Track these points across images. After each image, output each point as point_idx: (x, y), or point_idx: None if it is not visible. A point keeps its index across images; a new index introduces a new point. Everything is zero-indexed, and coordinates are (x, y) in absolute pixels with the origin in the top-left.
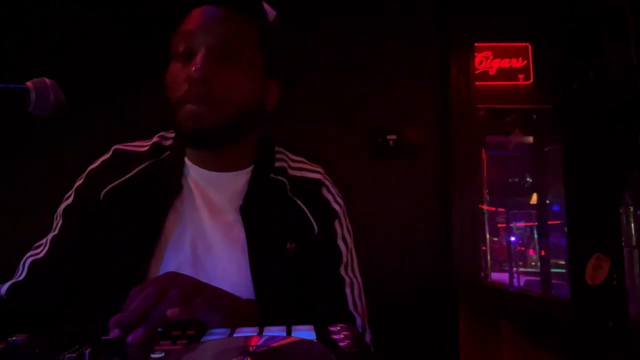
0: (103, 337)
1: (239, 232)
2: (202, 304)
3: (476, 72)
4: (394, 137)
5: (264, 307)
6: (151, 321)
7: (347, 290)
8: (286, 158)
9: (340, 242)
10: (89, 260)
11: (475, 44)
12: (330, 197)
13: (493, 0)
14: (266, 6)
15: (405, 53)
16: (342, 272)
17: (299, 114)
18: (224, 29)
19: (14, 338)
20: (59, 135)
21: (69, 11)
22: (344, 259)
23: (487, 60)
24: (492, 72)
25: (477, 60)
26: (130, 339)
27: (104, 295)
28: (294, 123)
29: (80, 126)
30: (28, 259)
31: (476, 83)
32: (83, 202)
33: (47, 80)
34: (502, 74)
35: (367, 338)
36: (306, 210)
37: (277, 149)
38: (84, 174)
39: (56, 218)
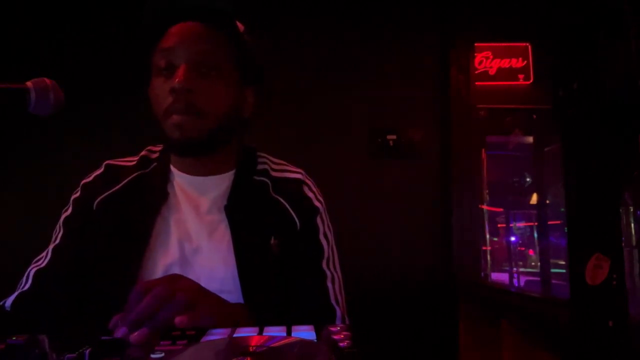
0: (103, 337)
1: (225, 231)
2: (206, 313)
3: (476, 72)
4: (394, 137)
5: (251, 306)
6: (157, 322)
7: (329, 284)
8: (268, 161)
9: (322, 238)
10: (88, 266)
11: (475, 44)
12: (311, 195)
13: (493, 0)
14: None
15: (405, 53)
16: (324, 267)
17: (300, 114)
18: (202, 43)
19: (13, 338)
20: (59, 136)
21: (69, 11)
22: (326, 254)
23: (487, 60)
24: (492, 72)
25: (477, 60)
26: (134, 337)
27: (98, 299)
28: (295, 123)
29: (81, 126)
30: (32, 269)
31: (476, 83)
32: (80, 212)
33: (47, 80)
34: (502, 74)
35: None
36: (289, 208)
37: (258, 153)
38: (79, 187)
39: (56, 230)
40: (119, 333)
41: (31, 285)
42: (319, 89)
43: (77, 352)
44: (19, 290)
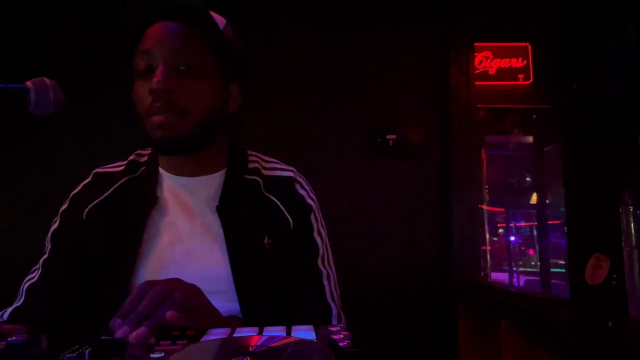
0: (103, 337)
1: (217, 232)
2: (199, 317)
3: (476, 72)
4: (394, 137)
5: (246, 306)
6: (155, 320)
7: (325, 281)
8: (259, 160)
9: (316, 236)
10: (79, 276)
11: (475, 44)
12: (304, 193)
13: (493, 0)
14: (216, 16)
15: (405, 53)
16: (320, 264)
17: (300, 114)
18: (179, 42)
19: (13, 338)
20: (59, 136)
21: (70, 11)
22: (321, 252)
23: (487, 60)
24: (492, 72)
25: (477, 60)
26: (132, 337)
27: (92, 306)
28: (294, 124)
29: (80, 126)
30: (26, 284)
31: (476, 83)
32: (68, 225)
33: (47, 80)
34: (502, 74)
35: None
36: (281, 207)
37: (250, 152)
38: (68, 199)
39: (46, 243)
40: (120, 333)
41: (24, 300)
42: (319, 89)
43: (77, 352)
44: (14, 306)
